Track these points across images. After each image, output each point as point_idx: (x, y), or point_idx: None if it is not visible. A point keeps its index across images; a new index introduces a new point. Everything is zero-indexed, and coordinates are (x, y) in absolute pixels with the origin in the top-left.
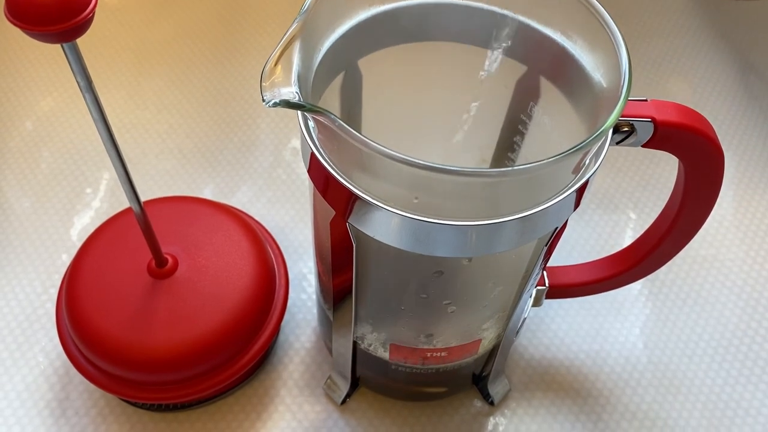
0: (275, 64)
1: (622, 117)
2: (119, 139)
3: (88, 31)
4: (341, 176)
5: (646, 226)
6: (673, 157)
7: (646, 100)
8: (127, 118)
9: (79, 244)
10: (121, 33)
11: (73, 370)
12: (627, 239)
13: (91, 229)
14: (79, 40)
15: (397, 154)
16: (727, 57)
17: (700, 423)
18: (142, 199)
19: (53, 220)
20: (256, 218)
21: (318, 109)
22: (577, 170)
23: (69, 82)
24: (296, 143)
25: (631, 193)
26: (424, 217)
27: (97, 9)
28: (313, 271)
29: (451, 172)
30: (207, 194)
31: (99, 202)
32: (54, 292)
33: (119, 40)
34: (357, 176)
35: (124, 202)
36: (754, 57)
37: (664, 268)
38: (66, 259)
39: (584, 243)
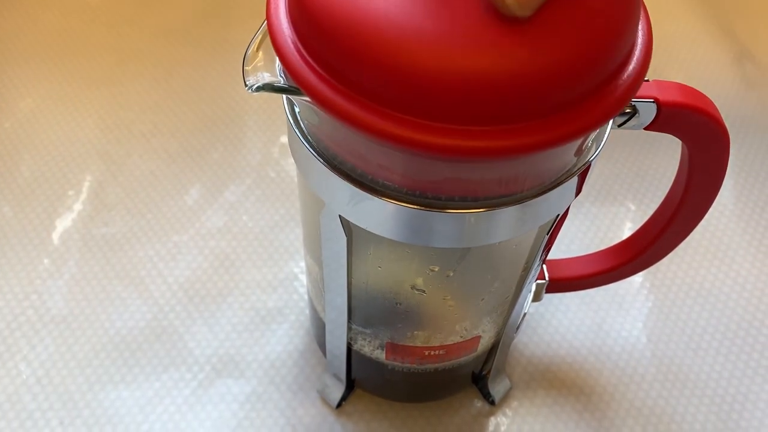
0: (257, 48)
1: None
2: (102, 140)
3: (70, 31)
4: (330, 165)
5: (646, 218)
6: (672, 146)
7: (647, 80)
8: (110, 118)
9: (61, 248)
10: (102, 32)
11: (58, 379)
12: (626, 231)
13: (74, 233)
14: (58, 41)
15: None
16: (723, 44)
17: (707, 418)
18: (127, 203)
19: (34, 224)
20: (245, 218)
21: (304, 92)
22: (579, 152)
23: (49, 82)
24: (285, 140)
25: (630, 184)
26: (420, 205)
27: (77, 8)
28: (304, 271)
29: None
30: (194, 194)
31: (81, 204)
32: (36, 299)
33: (100, 39)
34: (347, 164)
35: (108, 204)
36: (751, 44)
37: (665, 260)
38: (48, 263)
39: (583, 236)
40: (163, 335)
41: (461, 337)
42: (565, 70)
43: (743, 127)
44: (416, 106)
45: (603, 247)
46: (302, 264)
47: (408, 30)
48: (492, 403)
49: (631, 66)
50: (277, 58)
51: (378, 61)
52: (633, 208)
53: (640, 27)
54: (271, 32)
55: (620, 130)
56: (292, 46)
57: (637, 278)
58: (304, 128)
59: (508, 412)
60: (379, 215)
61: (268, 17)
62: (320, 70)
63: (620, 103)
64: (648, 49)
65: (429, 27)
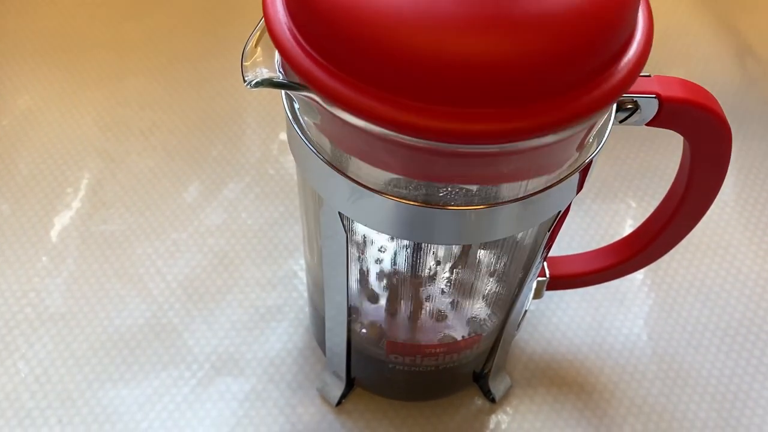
0: (256, 44)
1: (625, 93)
2: (101, 137)
3: (68, 28)
4: (330, 161)
5: (647, 215)
6: (673, 143)
7: (649, 76)
8: (108, 115)
9: (59, 246)
10: (101, 29)
11: (56, 377)
12: (627, 228)
13: (72, 231)
14: (57, 38)
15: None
16: (725, 40)
17: (708, 415)
18: (125, 201)
19: (32, 222)
20: (244, 215)
21: (304, 86)
22: (580, 147)
23: (47, 80)
24: (284, 137)
25: (630, 181)
26: (420, 203)
27: (76, 5)
28: (304, 269)
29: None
30: (192, 192)
31: (80, 202)
32: (34, 296)
33: (99, 36)
34: (347, 161)
35: (106, 202)
36: (753, 40)
37: (666, 257)
38: (46, 261)
39: (583, 233)
40: (162, 333)
41: (462, 334)
42: (566, 51)
43: (745, 123)
44: (419, 90)
45: (604, 244)
46: (302, 261)
47: (406, 11)
48: (492, 401)
49: (632, 50)
50: (276, 52)
51: (377, 43)
52: (634, 205)
53: (640, 11)
54: (268, 21)
55: (622, 127)
56: (288, 33)
57: (638, 275)
58: (303, 125)
59: (509, 410)
60: (378, 212)
61: (264, 6)
62: (318, 57)
63: (620, 88)
64: (649, 34)
65: (427, 7)
